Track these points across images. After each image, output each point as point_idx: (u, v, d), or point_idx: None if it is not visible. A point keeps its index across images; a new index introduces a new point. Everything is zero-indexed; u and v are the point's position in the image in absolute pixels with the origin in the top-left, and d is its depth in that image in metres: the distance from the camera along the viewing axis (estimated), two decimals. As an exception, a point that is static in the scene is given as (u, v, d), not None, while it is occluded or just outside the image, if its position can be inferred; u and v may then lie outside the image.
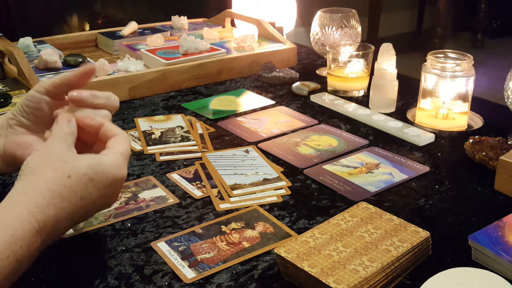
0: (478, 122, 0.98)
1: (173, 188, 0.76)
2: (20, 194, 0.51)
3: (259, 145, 0.89)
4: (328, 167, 0.82)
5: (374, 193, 0.74)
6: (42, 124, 0.63)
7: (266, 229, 0.66)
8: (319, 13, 1.26)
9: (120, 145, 0.58)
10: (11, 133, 0.63)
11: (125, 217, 0.69)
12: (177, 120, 0.99)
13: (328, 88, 1.15)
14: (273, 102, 1.09)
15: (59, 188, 0.52)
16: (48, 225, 0.51)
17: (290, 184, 0.77)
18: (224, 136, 0.93)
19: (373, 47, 1.12)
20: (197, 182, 0.77)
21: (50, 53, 1.14)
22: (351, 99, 1.09)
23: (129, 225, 0.67)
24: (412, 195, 0.74)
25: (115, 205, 0.72)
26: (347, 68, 1.12)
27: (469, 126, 0.97)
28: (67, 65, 1.16)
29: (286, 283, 0.57)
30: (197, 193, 0.75)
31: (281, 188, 0.76)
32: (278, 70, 1.20)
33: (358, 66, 1.11)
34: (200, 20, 1.61)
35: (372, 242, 0.57)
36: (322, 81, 1.19)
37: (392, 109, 1.03)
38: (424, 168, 0.81)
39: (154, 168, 0.82)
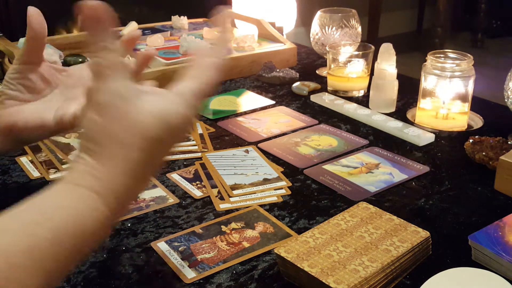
0: (478, 122, 0.98)
1: (173, 188, 0.76)
2: (87, 176, 0.42)
3: (259, 145, 0.89)
4: (328, 167, 0.82)
5: (374, 193, 0.74)
6: (34, 90, 0.63)
7: (266, 229, 0.66)
8: (319, 13, 1.26)
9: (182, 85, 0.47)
10: (2, 108, 0.63)
11: (125, 217, 0.69)
12: (177, 120, 0.99)
13: (328, 88, 1.15)
14: (273, 102, 1.09)
15: (132, 167, 0.42)
16: (121, 210, 0.43)
17: (290, 184, 0.77)
18: (224, 136, 0.93)
19: (373, 47, 1.12)
20: (197, 182, 0.77)
21: (50, 53, 1.14)
22: (351, 99, 1.09)
23: (129, 225, 0.67)
24: (412, 195, 0.74)
25: None
26: (347, 68, 1.12)
27: (469, 126, 0.97)
28: (67, 65, 1.16)
29: (286, 283, 0.57)
30: (197, 193, 0.75)
31: (281, 188, 0.76)
32: (278, 70, 1.20)
33: (358, 66, 1.11)
34: (200, 20, 1.61)
35: (372, 242, 0.57)
36: (322, 81, 1.19)
37: (392, 109, 1.03)
38: (424, 168, 0.81)
39: (154, 168, 0.82)
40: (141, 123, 0.42)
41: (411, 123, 0.97)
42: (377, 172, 0.80)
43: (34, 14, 0.58)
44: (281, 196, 0.74)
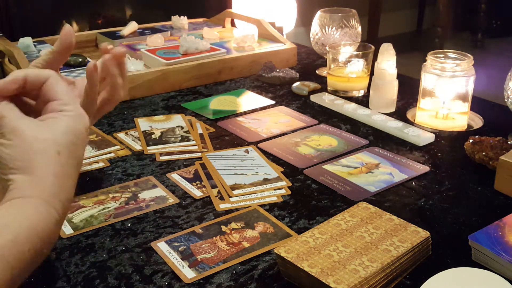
0: (478, 122, 0.98)
1: (173, 188, 0.76)
2: (27, 188, 0.47)
3: (259, 145, 0.89)
4: (328, 167, 0.82)
5: (374, 193, 0.74)
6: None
7: (266, 229, 0.66)
8: (319, 13, 1.26)
9: (59, 91, 0.51)
10: None
11: (125, 217, 0.69)
12: (177, 120, 0.99)
13: (328, 88, 1.15)
14: (273, 102, 1.09)
15: (59, 169, 0.48)
16: (65, 209, 0.48)
17: (290, 184, 0.77)
18: (224, 136, 0.93)
19: (373, 47, 1.12)
20: (197, 182, 0.77)
21: (50, 53, 1.13)
22: (351, 99, 1.09)
23: (129, 225, 0.67)
24: (412, 195, 0.74)
25: (115, 205, 0.72)
26: (347, 68, 1.12)
27: (469, 126, 0.97)
28: (67, 65, 1.16)
29: (286, 283, 0.57)
30: (197, 193, 0.75)
31: (281, 188, 0.76)
32: (278, 70, 1.20)
33: (358, 66, 1.11)
34: (200, 20, 1.61)
35: (372, 242, 0.57)
36: (322, 81, 1.19)
37: (392, 109, 1.03)
38: (424, 168, 0.81)
39: (154, 168, 0.82)
40: (50, 132, 0.49)
41: (411, 123, 0.97)
42: (377, 172, 0.80)
43: (67, 31, 0.57)
44: (281, 196, 0.74)
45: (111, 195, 0.74)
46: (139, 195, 0.74)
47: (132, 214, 0.69)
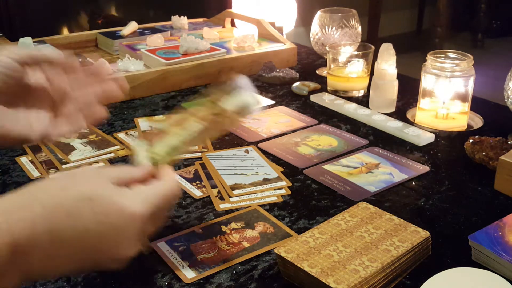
0: (478, 122, 0.98)
1: (173, 188, 0.76)
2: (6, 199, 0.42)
3: (259, 145, 0.89)
4: (328, 167, 0.82)
5: (374, 193, 0.74)
6: (14, 96, 0.54)
7: (266, 229, 0.66)
8: (319, 13, 1.26)
9: (154, 184, 0.48)
10: None
11: (125, 217, 0.69)
12: (177, 120, 0.99)
13: (328, 88, 1.15)
14: (273, 102, 1.09)
15: (42, 197, 0.42)
16: (24, 242, 0.39)
17: (290, 184, 0.77)
18: (224, 136, 0.93)
19: (373, 47, 1.12)
20: (197, 182, 0.77)
21: (50, 53, 1.13)
22: (351, 99, 1.09)
23: (129, 225, 0.67)
24: (412, 195, 0.74)
25: None
26: (347, 68, 1.12)
27: (469, 126, 0.97)
28: (67, 65, 1.16)
29: (286, 283, 0.57)
30: (197, 193, 0.75)
31: (281, 188, 0.76)
32: (278, 70, 1.20)
33: (358, 66, 1.11)
34: (200, 20, 1.61)
35: (372, 242, 0.57)
36: (322, 81, 1.19)
37: (392, 109, 1.03)
38: (424, 168, 0.81)
39: (154, 168, 0.82)
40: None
41: (411, 123, 0.97)
42: (377, 172, 0.80)
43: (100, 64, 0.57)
44: (281, 196, 0.74)
45: None
46: (139, 195, 0.74)
47: (132, 214, 0.69)
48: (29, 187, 0.43)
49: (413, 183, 0.77)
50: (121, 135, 0.93)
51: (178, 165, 0.83)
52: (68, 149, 0.87)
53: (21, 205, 0.41)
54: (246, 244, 0.63)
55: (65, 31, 1.92)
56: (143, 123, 0.98)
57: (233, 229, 0.66)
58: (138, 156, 0.55)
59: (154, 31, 1.43)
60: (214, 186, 0.76)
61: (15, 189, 0.42)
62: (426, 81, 0.95)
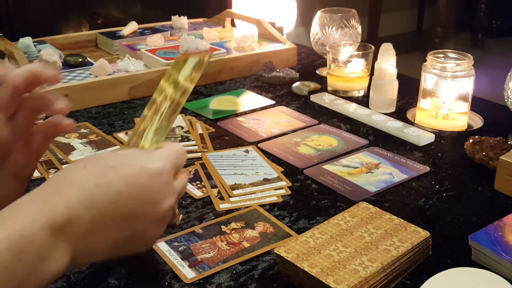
0: (478, 122, 0.98)
1: (173, 188, 0.76)
2: (33, 192, 0.43)
3: (259, 145, 0.89)
4: (328, 167, 0.82)
5: (374, 193, 0.74)
6: None
7: (266, 229, 0.66)
8: (319, 13, 1.26)
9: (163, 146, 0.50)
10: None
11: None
12: (177, 120, 0.99)
13: (328, 88, 1.15)
14: (273, 102, 1.09)
15: (69, 174, 0.43)
16: (60, 220, 0.40)
17: (290, 184, 0.77)
18: (224, 136, 0.93)
19: (373, 47, 1.12)
20: (197, 182, 0.77)
21: (50, 53, 1.14)
22: (351, 99, 1.09)
23: (129, 225, 0.67)
24: (412, 195, 0.74)
25: None
26: (347, 68, 1.12)
27: (469, 126, 0.97)
28: (67, 65, 1.16)
29: (286, 283, 0.57)
30: (197, 193, 0.75)
31: (281, 188, 0.76)
32: (278, 70, 1.20)
33: (358, 66, 1.11)
34: (200, 20, 1.61)
35: (372, 242, 0.57)
36: (322, 81, 1.19)
37: (392, 109, 1.03)
38: (424, 168, 0.81)
39: (154, 168, 0.82)
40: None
41: (411, 123, 0.97)
42: (377, 172, 0.80)
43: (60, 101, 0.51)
44: (281, 196, 0.74)
45: None
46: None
47: (132, 214, 0.69)
48: (56, 174, 0.44)
49: (413, 183, 0.77)
50: (121, 135, 0.93)
51: (178, 165, 0.82)
52: (68, 149, 0.87)
53: (51, 191, 0.42)
54: (246, 244, 0.63)
55: (65, 31, 1.91)
56: (143, 123, 0.98)
57: (233, 229, 0.66)
58: None
59: (154, 31, 1.43)
60: (214, 186, 0.76)
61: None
62: (426, 81, 0.95)
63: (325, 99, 1.08)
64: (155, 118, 0.58)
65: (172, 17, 1.51)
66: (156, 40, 1.30)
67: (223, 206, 0.71)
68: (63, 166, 0.82)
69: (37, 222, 0.39)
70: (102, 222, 0.43)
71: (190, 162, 0.84)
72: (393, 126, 0.94)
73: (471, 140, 0.83)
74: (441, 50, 0.97)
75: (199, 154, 0.86)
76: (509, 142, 0.81)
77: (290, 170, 0.81)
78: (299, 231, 0.65)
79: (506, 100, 0.90)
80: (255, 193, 0.74)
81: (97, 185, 0.43)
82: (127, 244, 0.46)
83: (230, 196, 0.73)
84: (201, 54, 0.61)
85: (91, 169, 0.44)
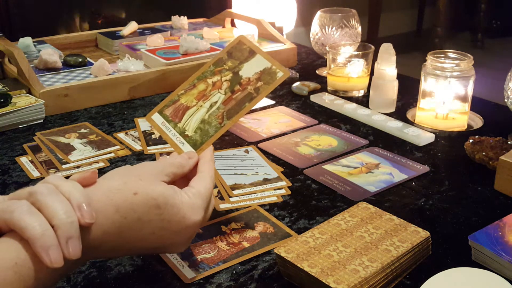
0: (478, 122, 0.98)
1: (173, 188, 0.76)
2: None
3: (259, 145, 0.89)
4: (328, 167, 0.82)
5: (374, 193, 0.74)
6: None
7: (266, 229, 0.66)
8: (319, 13, 1.26)
9: (201, 185, 0.54)
10: None
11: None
12: (177, 120, 0.99)
13: (328, 88, 1.15)
14: (273, 102, 1.09)
15: (118, 199, 0.47)
16: (92, 230, 0.45)
17: (290, 184, 0.77)
18: (224, 136, 0.93)
19: (373, 47, 1.12)
20: (197, 182, 0.77)
21: (50, 53, 1.14)
22: (351, 99, 1.09)
23: (129, 225, 0.67)
24: (412, 195, 0.74)
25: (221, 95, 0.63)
26: (347, 68, 1.12)
27: (469, 126, 0.97)
28: (67, 65, 1.16)
29: (286, 283, 0.57)
30: (197, 193, 0.74)
31: (281, 188, 0.76)
32: (278, 70, 1.20)
33: (358, 66, 1.11)
34: (200, 20, 1.61)
35: (372, 242, 0.57)
36: (322, 81, 1.19)
37: (392, 109, 1.03)
38: (424, 168, 0.81)
39: (154, 168, 0.82)
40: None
41: (411, 123, 0.97)
42: (377, 172, 0.80)
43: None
44: (281, 196, 0.74)
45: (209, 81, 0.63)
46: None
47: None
48: (104, 185, 0.48)
49: (413, 183, 0.77)
50: (121, 135, 0.93)
51: (178, 165, 0.83)
52: (68, 149, 0.87)
53: (97, 207, 0.46)
54: (246, 244, 0.63)
55: (65, 31, 1.91)
56: (143, 123, 0.98)
57: (233, 229, 0.66)
58: (173, 140, 0.59)
59: (154, 31, 1.43)
60: (214, 186, 0.76)
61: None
62: (426, 81, 0.95)
63: (325, 99, 1.08)
64: (202, 105, 0.57)
65: (172, 17, 1.51)
66: (156, 40, 1.30)
67: (223, 206, 0.71)
68: (63, 166, 0.82)
69: None
70: (126, 246, 0.49)
71: (190, 162, 0.84)
72: (393, 126, 0.94)
73: (471, 140, 0.83)
74: (441, 50, 0.97)
75: (199, 154, 0.86)
76: (509, 142, 0.81)
77: (290, 170, 0.81)
78: (299, 231, 0.65)
79: (506, 100, 0.90)
80: (255, 193, 0.74)
81: (138, 219, 0.48)
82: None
83: (230, 196, 0.73)
84: (275, 63, 0.59)
85: (139, 199, 0.48)
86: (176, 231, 0.51)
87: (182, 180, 0.57)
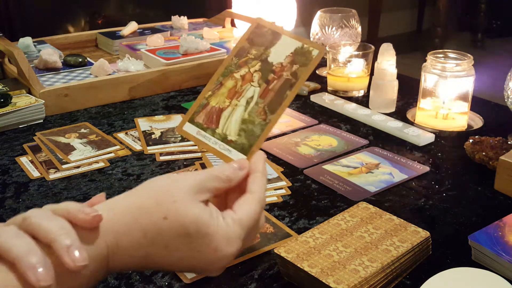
0: (478, 122, 0.98)
1: (173, 188, 0.76)
2: (106, 210, 0.44)
3: (259, 145, 0.89)
4: (328, 167, 0.82)
5: (374, 193, 0.74)
6: None
7: (266, 229, 0.66)
8: (319, 13, 1.26)
9: (245, 210, 0.47)
10: None
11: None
12: (177, 120, 0.99)
13: (328, 88, 1.15)
14: (273, 102, 1.09)
15: (146, 224, 0.44)
16: (117, 254, 0.43)
17: (290, 184, 0.77)
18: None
19: (373, 47, 1.12)
20: (197, 182, 0.77)
21: (50, 53, 1.14)
22: (351, 99, 1.09)
23: (129, 225, 0.67)
24: (412, 195, 0.74)
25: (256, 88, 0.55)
26: (347, 68, 1.12)
27: (469, 126, 0.97)
28: (67, 65, 1.16)
29: (286, 283, 0.57)
30: (197, 193, 0.74)
31: (281, 188, 0.76)
32: (278, 70, 1.20)
33: (358, 66, 1.11)
34: (200, 20, 1.61)
35: (372, 242, 0.57)
36: (322, 81, 1.19)
37: (392, 109, 1.03)
38: (424, 168, 0.81)
39: (154, 168, 0.82)
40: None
41: (411, 123, 0.97)
42: (377, 172, 0.80)
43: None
44: (281, 196, 0.74)
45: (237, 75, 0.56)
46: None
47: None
48: (135, 203, 0.45)
49: (413, 183, 0.77)
50: (121, 135, 0.93)
51: (178, 165, 0.83)
52: (68, 149, 0.87)
53: (124, 230, 0.43)
54: (246, 244, 0.63)
55: (65, 31, 1.91)
56: (143, 123, 0.98)
57: (233, 229, 0.66)
58: (216, 149, 0.50)
59: (154, 31, 1.43)
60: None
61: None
62: (426, 81, 0.95)
63: (325, 99, 1.08)
64: (237, 103, 0.50)
65: (172, 17, 1.51)
66: (156, 40, 1.30)
67: (223, 206, 0.71)
68: (63, 166, 0.82)
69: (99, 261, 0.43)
70: (150, 266, 0.46)
71: (190, 162, 0.84)
72: (393, 126, 0.94)
73: (471, 140, 0.83)
74: (441, 50, 0.97)
75: (199, 154, 0.86)
76: (509, 142, 0.81)
77: (290, 170, 0.81)
78: (299, 231, 0.65)
79: (506, 100, 0.90)
80: (255, 193, 0.74)
81: (165, 246, 0.44)
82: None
83: (230, 196, 0.73)
84: (305, 41, 0.50)
85: (169, 226, 0.44)
86: (206, 261, 0.46)
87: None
